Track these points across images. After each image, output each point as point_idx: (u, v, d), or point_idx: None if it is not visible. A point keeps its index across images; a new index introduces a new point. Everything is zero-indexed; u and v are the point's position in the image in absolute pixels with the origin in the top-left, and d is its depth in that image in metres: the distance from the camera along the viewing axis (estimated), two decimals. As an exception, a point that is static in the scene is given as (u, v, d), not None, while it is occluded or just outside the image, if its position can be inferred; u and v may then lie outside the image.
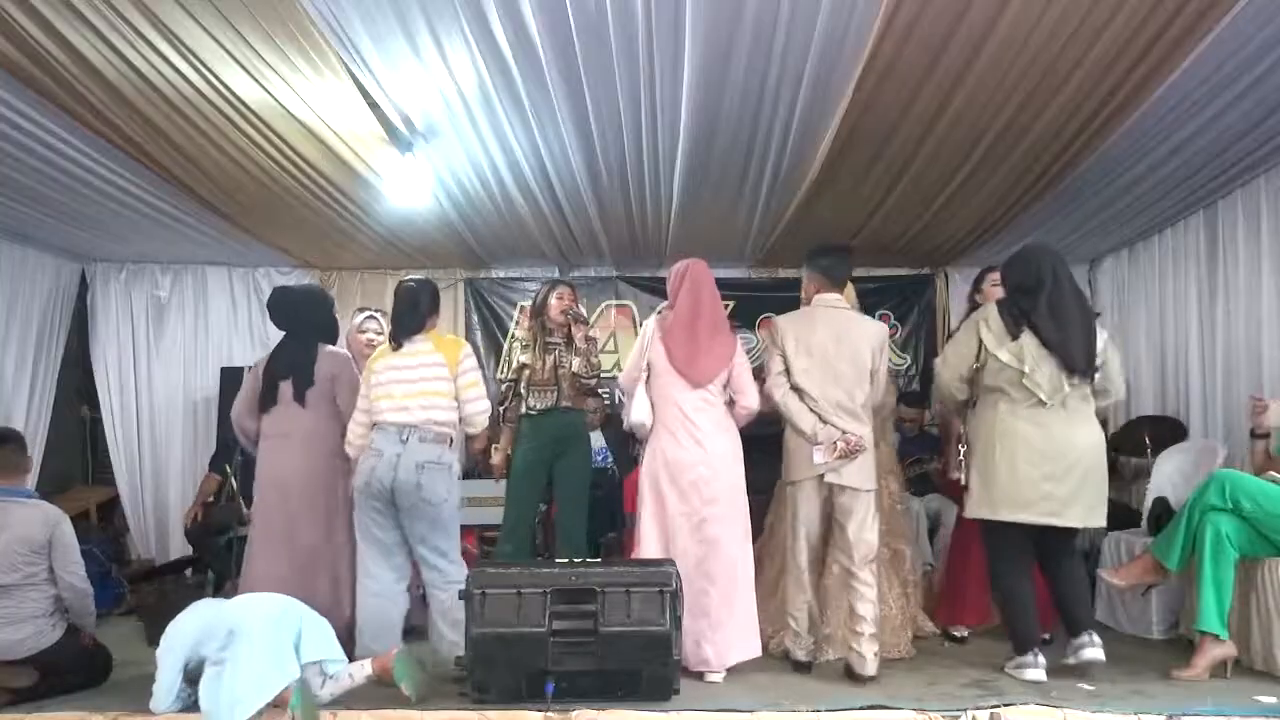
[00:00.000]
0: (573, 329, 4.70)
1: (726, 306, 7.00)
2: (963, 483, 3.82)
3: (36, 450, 5.95)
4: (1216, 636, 3.62)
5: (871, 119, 4.11)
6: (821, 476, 3.83)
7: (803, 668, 3.87)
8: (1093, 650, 3.61)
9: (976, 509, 3.75)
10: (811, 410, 3.86)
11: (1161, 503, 4.56)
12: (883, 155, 4.58)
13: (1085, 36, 3.38)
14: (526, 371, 4.66)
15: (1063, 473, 3.60)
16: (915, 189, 5.09)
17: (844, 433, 3.80)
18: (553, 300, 4.72)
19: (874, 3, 3.18)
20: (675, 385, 3.90)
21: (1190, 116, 4.03)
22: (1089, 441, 3.68)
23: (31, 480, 3.85)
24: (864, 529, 3.83)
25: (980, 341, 3.72)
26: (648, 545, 3.85)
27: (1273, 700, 3.30)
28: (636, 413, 3.96)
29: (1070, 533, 3.76)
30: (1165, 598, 4.32)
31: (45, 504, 3.72)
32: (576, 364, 4.61)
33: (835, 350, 3.89)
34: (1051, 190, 4.99)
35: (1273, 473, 3.87)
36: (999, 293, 4.49)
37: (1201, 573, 3.67)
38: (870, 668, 3.68)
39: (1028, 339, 3.64)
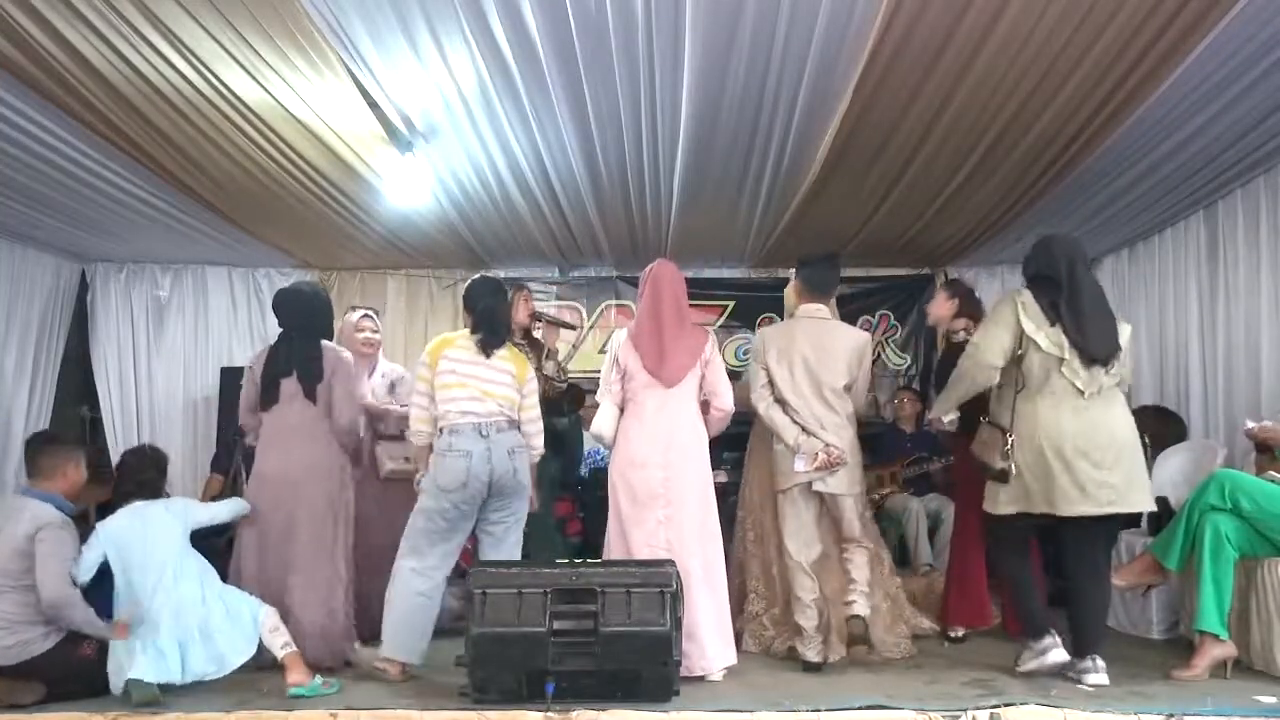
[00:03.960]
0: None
1: (726, 307, 7.15)
2: (1011, 472, 3.63)
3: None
4: (1216, 636, 3.62)
5: (871, 119, 4.11)
6: (809, 484, 3.93)
7: (814, 668, 3.88)
8: (1096, 676, 3.54)
9: (1027, 504, 3.61)
10: (795, 422, 3.92)
11: (1161, 503, 4.56)
12: (882, 155, 4.58)
13: (1085, 36, 3.39)
14: None
15: (1113, 460, 3.54)
16: (915, 189, 5.09)
17: (826, 445, 3.88)
18: (519, 304, 4.74)
19: (874, 3, 3.19)
20: (645, 387, 3.89)
21: (1190, 116, 4.04)
22: (1125, 425, 3.63)
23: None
24: (860, 524, 4.04)
25: (1018, 322, 3.62)
26: (614, 548, 3.86)
27: (1273, 700, 3.30)
28: (597, 424, 4.00)
29: (1115, 531, 3.75)
30: (1165, 598, 4.32)
31: (47, 507, 3.62)
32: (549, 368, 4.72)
33: (817, 361, 3.95)
34: (1051, 190, 5.00)
35: (1272, 473, 3.87)
36: (949, 307, 4.55)
37: (1201, 573, 3.67)
38: (863, 609, 3.90)
39: (1060, 328, 3.60)
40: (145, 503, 3.81)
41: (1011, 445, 3.63)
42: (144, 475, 3.89)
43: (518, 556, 3.89)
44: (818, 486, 3.92)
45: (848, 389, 4.01)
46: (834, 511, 4.00)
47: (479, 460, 3.70)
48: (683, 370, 3.88)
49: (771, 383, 4.00)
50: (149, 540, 3.69)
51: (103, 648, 3.55)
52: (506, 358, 3.92)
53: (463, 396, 3.79)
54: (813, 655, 3.89)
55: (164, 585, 3.61)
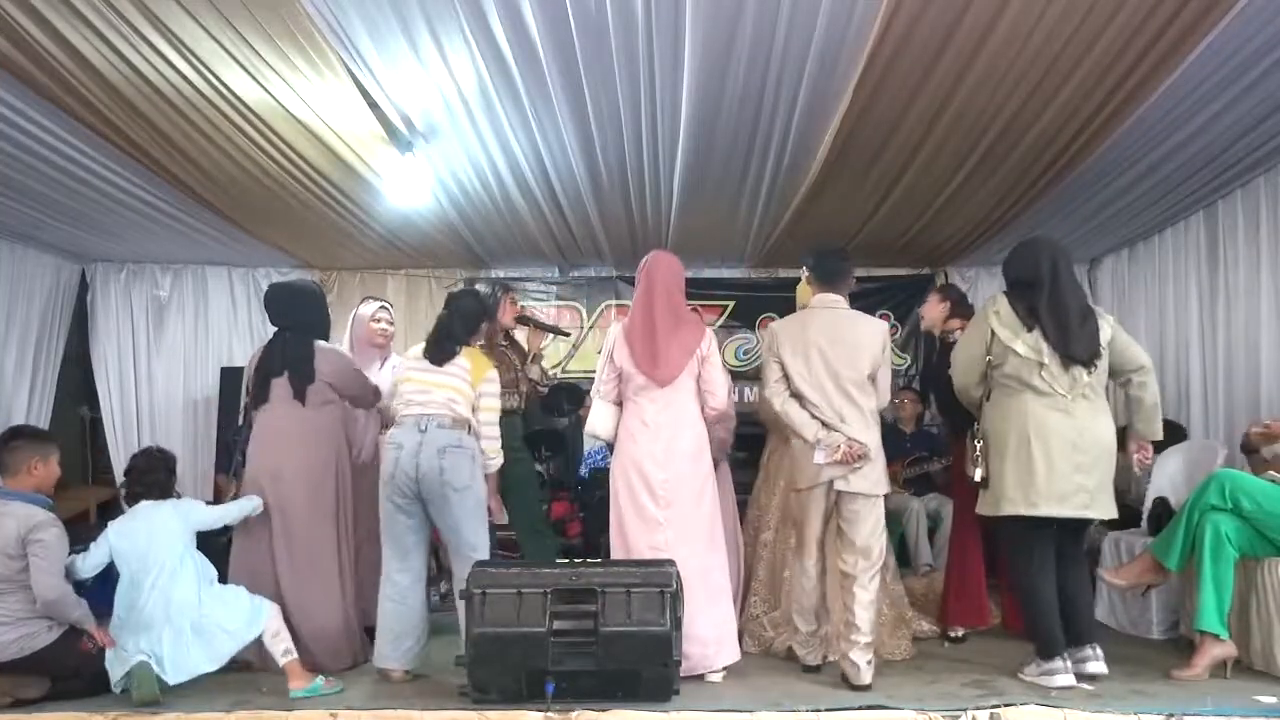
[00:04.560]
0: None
1: (726, 307, 7.15)
2: (979, 478, 3.66)
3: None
4: (1216, 636, 3.62)
5: (871, 119, 4.11)
6: (830, 483, 3.68)
7: (812, 670, 3.81)
8: (1096, 664, 3.55)
9: (1010, 505, 3.57)
10: (815, 417, 3.69)
11: (1161, 503, 4.56)
12: (883, 155, 4.58)
13: (1085, 36, 3.39)
14: None
15: (1090, 464, 3.54)
16: (915, 189, 5.10)
17: (849, 439, 3.64)
18: (505, 306, 4.73)
19: (874, 3, 3.19)
20: (643, 388, 3.82)
21: (1190, 116, 4.04)
22: (1109, 432, 3.63)
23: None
24: (874, 536, 3.70)
25: (992, 333, 3.63)
26: (615, 549, 3.84)
27: (1273, 700, 3.30)
28: (592, 422, 3.95)
29: (1084, 530, 3.75)
30: (1165, 598, 4.31)
31: (32, 507, 3.59)
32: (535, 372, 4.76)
33: (833, 353, 3.72)
34: (1051, 190, 5.00)
35: (1272, 472, 3.87)
36: (942, 310, 4.57)
37: (1201, 573, 3.67)
38: (865, 676, 3.57)
39: (1039, 333, 3.58)
40: (153, 503, 3.81)
41: (980, 452, 3.67)
42: (153, 476, 3.87)
43: (481, 558, 3.77)
44: (839, 485, 3.66)
45: (871, 380, 3.75)
46: (848, 516, 3.71)
47: (408, 454, 3.65)
48: (677, 369, 3.78)
49: (786, 376, 3.76)
50: (152, 540, 3.69)
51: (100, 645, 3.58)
52: (462, 355, 3.84)
53: (410, 391, 3.77)
54: (812, 659, 3.83)
55: (159, 584, 3.61)
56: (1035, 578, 3.65)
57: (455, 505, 3.68)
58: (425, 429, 3.67)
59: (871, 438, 3.70)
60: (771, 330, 3.91)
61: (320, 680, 3.61)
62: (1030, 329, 3.59)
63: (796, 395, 3.75)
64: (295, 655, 3.65)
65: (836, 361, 3.71)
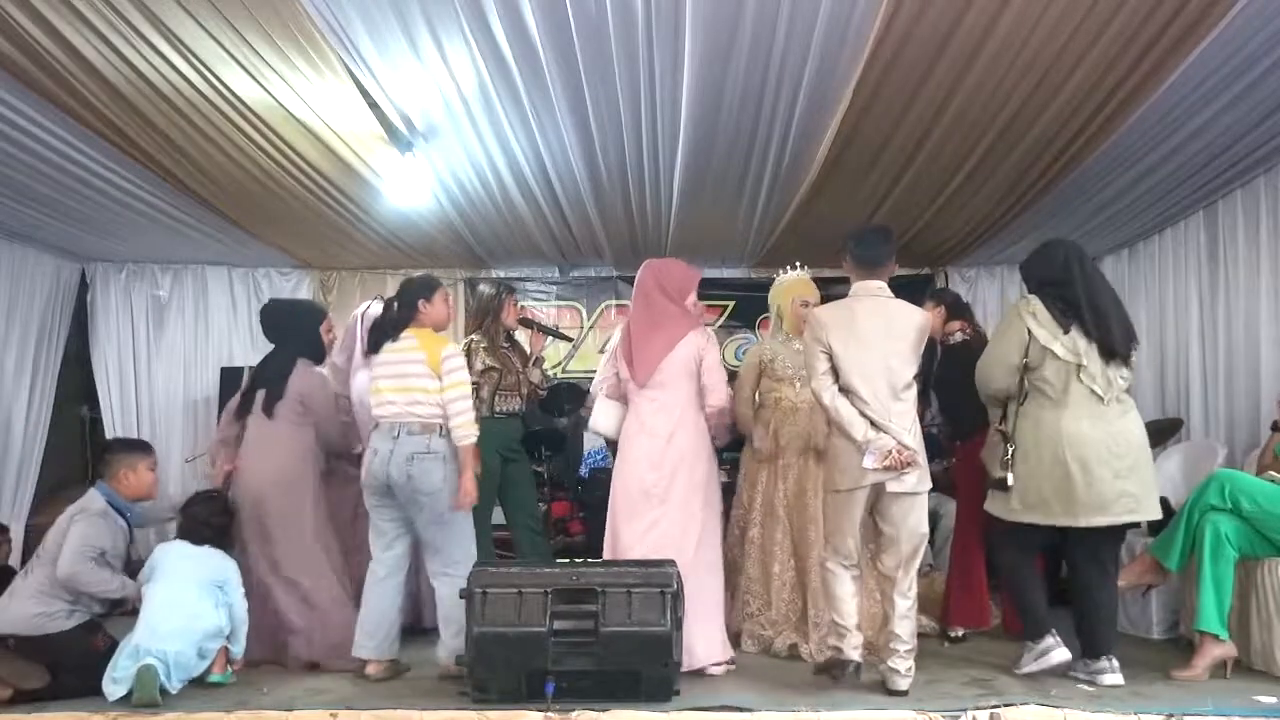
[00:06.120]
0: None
1: (726, 307, 7.15)
2: (1008, 483, 3.59)
3: (37, 449, 5.99)
4: (1216, 636, 3.62)
5: (871, 119, 4.11)
6: (872, 485, 3.46)
7: (851, 669, 3.49)
8: (1112, 676, 3.52)
9: (1048, 515, 3.53)
10: (864, 415, 3.45)
11: (1161, 503, 4.55)
12: (882, 155, 4.58)
13: (1085, 36, 3.39)
14: (495, 375, 4.65)
15: (1130, 468, 3.50)
16: (915, 189, 5.10)
17: (899, 444, 3.41)
18: (508, 307, 4.76)
19: (874, 3, 3.19)
20: (639, 390, 3.90)
21: (1190, 116, 4.03)
22: (1140, 431, 3.61)
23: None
24: (919, 527, 3.55)
25: (1029, 334, 3.55)
26: (607, 548, 3.86)
27: (1273, 700, 3.30)
28: (594, 420, 4.00)
29: (1123, 536, 3.74)
30: (1165, 598, 4.32)
31: (95, 496, 3.81)
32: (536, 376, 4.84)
33: (886, 346, 3.48)
34: (1051, 190, 5.00)
35: (1272, 472, 3.88)
36: (939, 315, 4.58)
37: (1201, 573, 3.67)
38: (905, 684, 3.47)
39: (1076, 332, 3.54)
40: (200, 546, 3.87)
41: (1011, 455, 3.61)
42: (213, 527, 3.95)
43: (461, 558, 3.74)
44: (892, 486, 3.44)
45: (917, 378, 3.55)
46: (893, 516, 3.51)
47: (380, 461, 3.73)
48: (650, 366, 3.83)
49: (835, 369, 3.49)
50: (188, 570, 3.76)
51: (113, 644, 3.60)
52: (416, 346, 3.83)
53: (377, 402, 3.83)
54: (854, 652, 3.50)
55: (179, 602, 3.64)
56: (1018, 558, 3.72)
57: (427, 509, 3.74)
58: (398, 436, 3.74)
59: (917, 438, 3.51)
60: (817, 317, 3.63)
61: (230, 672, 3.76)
62: (1067, 330, 3.55)
63: (845, 390, 3.48)
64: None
65: (890, 356, 3.48)
